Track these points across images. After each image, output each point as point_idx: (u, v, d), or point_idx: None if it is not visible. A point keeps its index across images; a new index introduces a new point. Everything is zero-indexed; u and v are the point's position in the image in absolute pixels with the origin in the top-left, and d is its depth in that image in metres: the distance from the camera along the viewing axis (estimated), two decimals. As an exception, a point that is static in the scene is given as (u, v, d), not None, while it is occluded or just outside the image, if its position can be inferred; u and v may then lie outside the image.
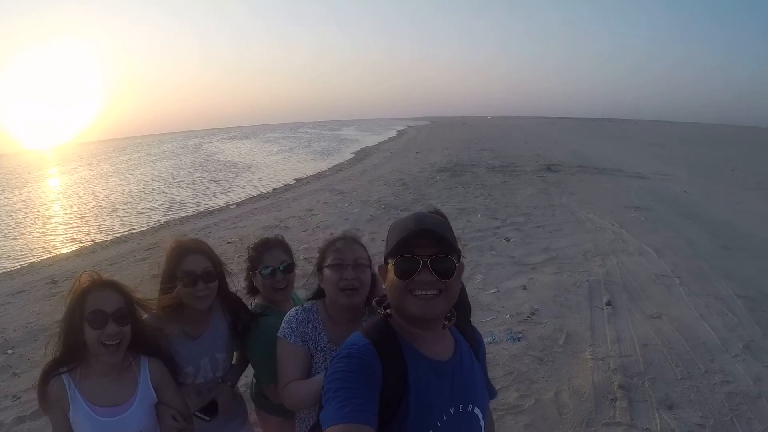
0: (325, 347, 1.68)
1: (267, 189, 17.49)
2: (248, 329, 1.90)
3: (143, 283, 2.36)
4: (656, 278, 6.51)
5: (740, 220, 10.44)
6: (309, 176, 19.58)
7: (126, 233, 11.76)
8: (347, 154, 30.25)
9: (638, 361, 4.31)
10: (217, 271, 1.84)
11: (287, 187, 16.87)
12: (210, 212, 13.39)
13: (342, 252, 1.69)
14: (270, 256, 1.97)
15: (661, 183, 15.24)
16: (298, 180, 18.94)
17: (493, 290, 5.95)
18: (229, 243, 8.19)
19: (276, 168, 25.27)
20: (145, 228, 12.31)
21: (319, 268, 1.76)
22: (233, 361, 2.04)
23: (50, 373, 1.51)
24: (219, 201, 15.61)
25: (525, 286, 6.09)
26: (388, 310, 1.22)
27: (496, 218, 9.56)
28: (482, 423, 1.20)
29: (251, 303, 2.04)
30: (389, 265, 1.16)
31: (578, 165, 18.57)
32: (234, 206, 14.03)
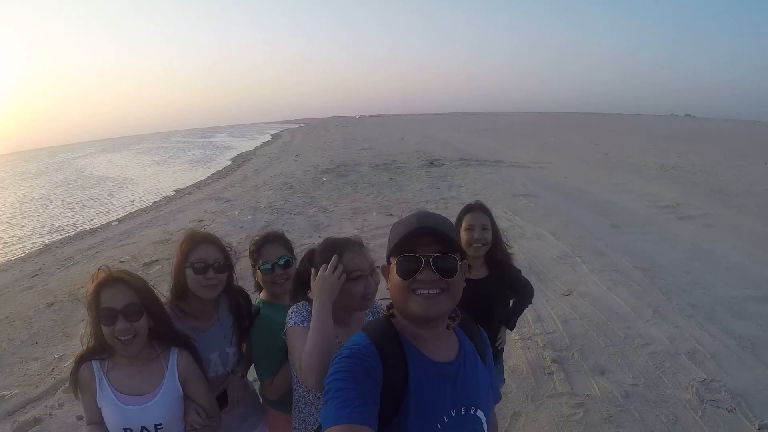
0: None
1: (147, 202, 18.85)
2: (251, 324, 2.17)
3: (38, 312, 2.49)
4: (559, 259, 7.56)
5: (622, 199, 12.63)
6: (189, 186, 20.91)
7: (3, 262, 11.98)
8: (224, 161, 32.90)
9: (563, 336, 5.01)
10: (227, 264, 2.08)
11: (168, 199, 17.93)
12: (92, 231, 13.98)
13: (359, 262, 1.82)
14: (269, 251, 2.23)
15: (542, 171, 17.97)
16: (178, 191, 20.21)
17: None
18: (121, 262, 8.45)
19: (154, 180, 27.54)
20: (24, 254, 12.52)
21: None
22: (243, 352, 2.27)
23: (82, 360, 1.79)
24: (100, 219, 16.75)
25: None
26: (391, 311, 1.35)
27: (392, 215, 10.54)
28: (485, 426, 1.32)
29: (255, 299, 2.32)
30: (391, 265, 1.28)
31: (460, 158, 21.24)
32: (116, 223, 15.02)
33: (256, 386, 2.40)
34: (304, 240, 8.52)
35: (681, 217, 11.00)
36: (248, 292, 2.32)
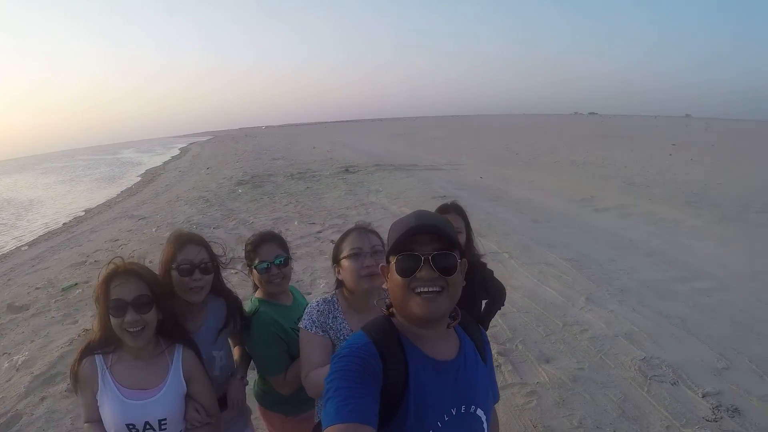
0: (347, 335, 1.98)
1: (57, 224, 18.62)
2: (247, 325, 2.29)
3: None
4: (488, 256, 7.92)
5: (538, 196, 13.59)
6: (99, 205, 21.31)
7: None
8: (134, 177, 33.68)
9: (504, 329, 5.29)
10: (213, 265, 2.18)
11: (78, 220, 17.99)
12: (1, 258, 13.56)
13: (358, 241, 2.04)
14: (265, 251, 2.35)
15: (457, 172, 19.04)
16: (88, 210, 20.46)
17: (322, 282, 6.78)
18: (38, 288, 8.18)
19: (62, 200, 27.42)
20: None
21: (336, 260, 2.10)
22: (235, 357, 2.41)
23: (85, 353, 1.86)
24: (9, 244, 16.46)
25: None
26: (391, 310, 1.42)
27: (314, 223, 11.00)
28: (485, 425, 1.40)
29: (251, 298, 2.45)
30: (391, 264, 1.36)
31: (375, 164, 22.36)
32: (26, 248, 14.79)
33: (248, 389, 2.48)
34: (228, 255, 8.53)
35: (597, 209, 11.95)
36: (237, 295, 2.42)
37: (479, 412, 1.38)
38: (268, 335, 2.24)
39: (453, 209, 2.88)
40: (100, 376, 1.84)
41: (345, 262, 2.05)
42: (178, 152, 60.65)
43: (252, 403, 2.54)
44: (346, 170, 20.40)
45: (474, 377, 1.41)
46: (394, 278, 1.33)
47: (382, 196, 14.01)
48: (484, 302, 3.08)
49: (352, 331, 1.98)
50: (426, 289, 1.29)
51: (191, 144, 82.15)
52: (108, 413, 1.84)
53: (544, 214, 11.23)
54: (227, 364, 2.32)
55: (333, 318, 2.04)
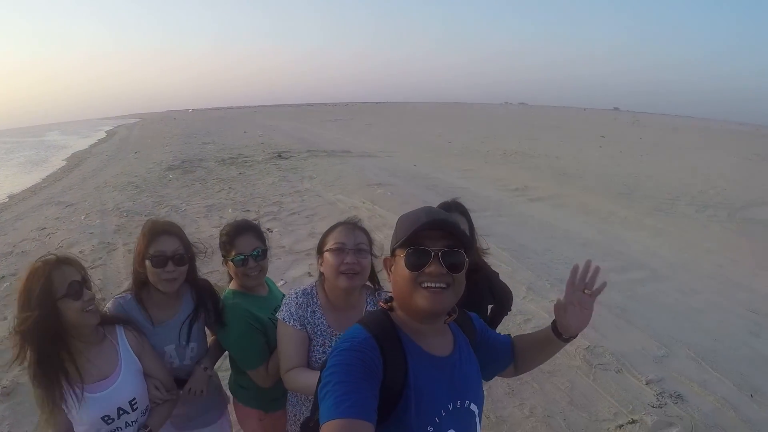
0: (324, 331, 2.07)
1: None
2: (221, 318, 2.31)
3: None
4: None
5: (473, 185, 13.89)
6: (24, 191, 20.40)
7: None
8: (59, 162, 32.39)
9: None
10: (188, 255, 2.23)
11: (2, 206, 17.09)
12: None
13: (343, 236, 2.07)
14: (242, 243, 2.34)
15: (391, 160, 19.23)
16: (11, 197, 19.53)
17: (281, 282, 6.68)
18: None
19: None
20: None
21: (320, 251, 2.14)
22: (208, 346, 2.43)
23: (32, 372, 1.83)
24: None
25: (309, 272, 7.03)
26: (389, 304, 1.47)
27: (248, 210, 11.00)
28: (478, 420, 1.46)
29: (225, 290, 2.46)
30: (397, 257, 1.39)
31: (307, 150, 22.51)
32: None
33: (225, 380, 2.61)
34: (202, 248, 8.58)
35: (532, 198, 12.38)
36: (209, 283, 2.43)
37: (473, 406, 1.43)
38: (244, 328, 2.26)
39: (455, 208, 2.76)
40: (55, 386, 1.83)
41: (327, 255, 2.08)
42: (104, 135, 58.99)
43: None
44: (279, 156, 20.45)
45: (469, 372, 1.47)
46: (401, 272, 1.37)
47: (317, 183, 14.05)
48: (489, 307, 3.02)
49: (329, 327, 2.08)
50: (433, 285, 1.32)
51: (118, 126, 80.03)
52: (78, 416, 1.87)
53: (479, 203, 11.46)
54: (199, 355, 2.35)
55: (311, 312, 2.09)
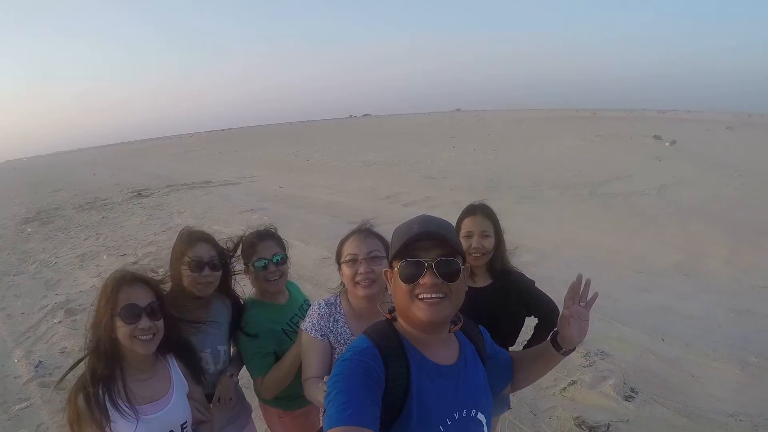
0: (348, 340, 2.12)
1: None
2: (239, 326, 2.46)
3: None
4: (321, 262, 8.08)
5: (343, 198, 14.31)
6: None
7: None
8: None
9: None
10: (222, 262, 2.40)
11: None
12: None
13: (354, 247, 2.15)
14: (263, 249, 2.47)
15: (254, 184, 19.18)
16: None
17: None
18: None
19: None
20: None
21: (338, 262, 2.23)
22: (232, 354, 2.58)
23: (87, 387, 1.84)
24: None
25: None
26: (392, 314, 1.52)
27: (125, 255, 10.64)
28: (486, 429, 1.50)
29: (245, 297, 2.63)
30: (394, 269, 1.44)
31: (166, 185, 21.74)
32: None
33: (248, 386, 2.65)
34: (39, 302, 7.86)
35: (406, 204, 12.90)
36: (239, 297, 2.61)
37: (480, 416, 1.48)
38: (252, 340, 2.40)
39: (480, 210, 2.64)
40: (109, 406, 1.83)
41: (343, 267, 2.17)
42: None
43: (254, 400, 2.71)
44: (139, 194, 19.76)
45: (475, 381, 1.52)
46: (398, 284, 1.42)
47: (188, 217, 13.76)
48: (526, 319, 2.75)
49: (353, 336, 2.12)
50: (429, 296, 1.38)
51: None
52: None
53: (357, 214, 11.71)
54: (227, 361, 2.50)
55: (334, 321, 2.17)
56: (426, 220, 1.45)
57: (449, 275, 1.38)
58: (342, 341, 2.14)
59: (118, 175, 31.48)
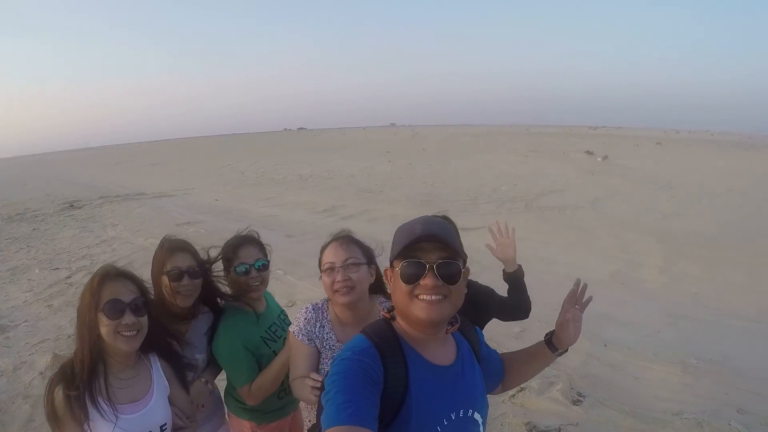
0: (333, 346, 2.16)
1: None
2: (216, 334, 2.44)
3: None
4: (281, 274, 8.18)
5: (281, 212, 14.26)
6: None
7: None
8: None
9: None
10: (201, 270, 2.39)
11: None
12: None
13: (331, 255, 2.15)
14: (245, 253, 2.46)
15: (190, 197, 18.85)
16: None
17: None
18: None
19: None
20: None
21: (320, 270, 2.23)
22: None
23: (66, 386, 1.81)
24: None
25: None
26: (391, 314, 1.53)
27: (59, 268, 10.27)
28: (482, 429, 1.52)
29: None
30: (395, 270, 1.44)
31: (100, 196, 21.12)
32: None
33: (222, 389, 2.67)
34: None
35: (344, 217, 12.92)
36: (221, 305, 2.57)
37: (476, 416, 1.50)
38: (233, 347, 2.37)
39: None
40: (89, 404, 1.81)
41: (323, 276, 2.19)
42: None
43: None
44: (71, 206, 19.07)
45: (472, 381, 1.54)
46: (398, 284, 1.42)
47: (122, 230, 13.40)
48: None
49: (338, 341, 2.16)
50: (428, 297, 1.38)
51: None
52: None
53: (294, 228, 11.76)
54: (206, 368, 2.48)
55: (320, 327, 2.20)
56: (428, 221, 1.45)
57: (450, 277, 1.38)
58: (328, 347, 2.17)
59: (50, 185, 30.45)
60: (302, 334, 2.18)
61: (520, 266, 2.69)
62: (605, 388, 4.33)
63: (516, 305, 2.73)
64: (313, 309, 2.24)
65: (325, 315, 2.23)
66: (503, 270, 2.65)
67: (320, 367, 2.19)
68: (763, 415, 4.12)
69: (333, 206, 14.57)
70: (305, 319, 2.21)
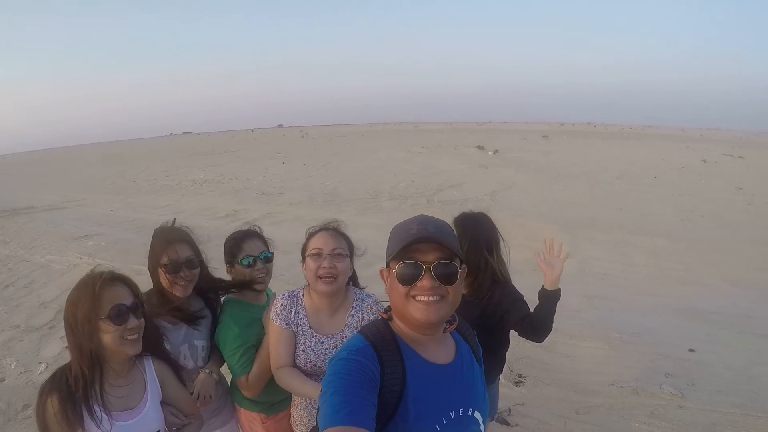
0: (306, 332, 2.27)
1: None
2: (216, 324, 2.51)
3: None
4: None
5: (179, 218, 13.27)
6: None
7: None
8: None
9: None
10: (198, 260, 2.44)
11: None
12: None
13: (321, 242, 2.25)
14: (249, 246, 2.56)
15: (82, 209, 17.82)
16: None
17: (42, 365, 5.91)
18: None
19: None
20: None
21: (303, 256, 2.32)
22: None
23: (61, 395, 1.80)
24: None
25: (66, 346, 6.19)
26: (388, 314, 1.54)
27: None
28: (482, 427, 1.54)
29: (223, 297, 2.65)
30: (391, 270, 1.45)
31: None
32: None
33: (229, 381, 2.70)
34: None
35: (247, 221, 12.55)
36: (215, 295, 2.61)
37: (476, 414, 1.53)
38: (232, 338, 2.42)
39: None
40: (85, 413, 1.81)
41: (308, 260, 2.26)
42: None
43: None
44: None
45: (471, 380, 1.56)
46: (394, 284, 1.44)
47: (15, 247, 12.35)
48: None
49: (311, 328, 2.27)
50: (426, 298, 1.40)
51: None
52: None
53: (199, 234, 11.18)
54: (206, 357, 2.51)
55: (295, 313, 2.29)
56: (425, 221, 1.46)
57: (447, 278, 1.40)
58: (301, 332, 2.27)
59: None
60: (280, 319, 2.26)
61: (559, 289, 2.69)
62: (541, 368, 4.62)
63: (539, 324, 2.65)
64: (289, 296, 2.33)
65: (300, 302, 2.31)
66: (542, 286, 2.68)
67: (296, 350, 2.28)
68: (689, 376, 4.62)
69: (235, 210, 14.46)
70: (282, 305, 2.29)
